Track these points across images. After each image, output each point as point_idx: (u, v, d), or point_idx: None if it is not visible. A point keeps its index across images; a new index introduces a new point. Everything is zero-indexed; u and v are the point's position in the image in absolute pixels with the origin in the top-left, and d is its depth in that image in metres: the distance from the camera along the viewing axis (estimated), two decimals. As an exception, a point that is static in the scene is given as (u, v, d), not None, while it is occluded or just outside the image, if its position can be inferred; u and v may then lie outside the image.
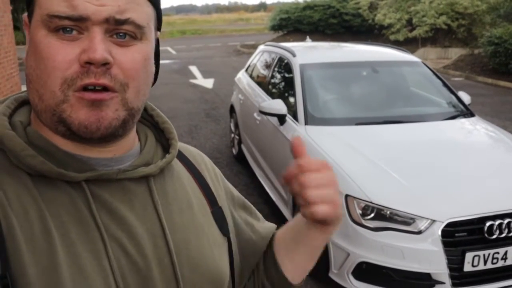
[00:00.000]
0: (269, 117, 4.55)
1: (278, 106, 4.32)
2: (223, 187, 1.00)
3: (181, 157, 0.94)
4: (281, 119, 4.33)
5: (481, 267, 2.92)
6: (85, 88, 0.70)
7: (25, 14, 0.78)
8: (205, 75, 14.50)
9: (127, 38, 0.72)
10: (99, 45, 0.68)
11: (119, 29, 0.71)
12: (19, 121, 0.77)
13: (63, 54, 0.69)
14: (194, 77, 14.09)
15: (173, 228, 0.81)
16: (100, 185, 0.76)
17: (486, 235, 2.94)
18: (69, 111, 0.71)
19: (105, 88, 0.70)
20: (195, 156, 0.98)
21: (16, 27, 19.53)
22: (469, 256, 2.90)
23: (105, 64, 0.69)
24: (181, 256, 0.81)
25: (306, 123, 4.09)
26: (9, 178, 0.72)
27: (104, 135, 0.73)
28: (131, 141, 0.83)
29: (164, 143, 0.91)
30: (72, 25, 0.69)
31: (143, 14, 0.74)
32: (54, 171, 0.72)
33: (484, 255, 2.92)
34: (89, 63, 0.69)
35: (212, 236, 0.88)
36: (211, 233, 0.88)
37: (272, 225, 1.09)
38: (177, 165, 0.92)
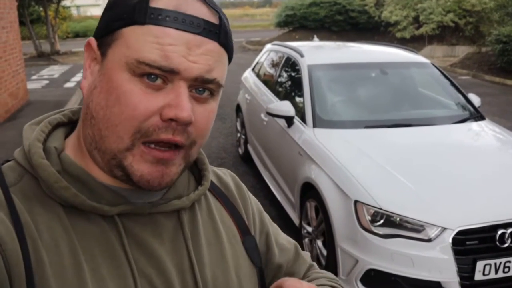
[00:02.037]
0: (277, 119, 4.51)
1: (286, 108, 4.28)
2: (261, 219, 0.97)
3: (211, 185, 0.92)
4: (289, 121, 4.29)
5: (492, 275, 2.88)
6: (155, 142, 0.69)
7: (92, 39, 0.74)
8: (211, 72, 14.42)
9: (205, 94, 0.72)
10: (187, 104, 0.67)
11: (203, 86, 0.71)
12: (53, 148, 0.75)
13: (145, 105, 0.67)
14: (200, 74, 14.03)
15: (201, 263, 0.80)
16: (132, 219, 0.75)
17: (497, 243, 2.89)
18: (130, 160, 0.69)
19: (175, 145, 0.70)
20: (224, 182, 0.95)
21: (22, 23, 19.55)
22: (480, 264, 2.85)
23: (187, 124, 0.69)
24: None
25: (315, 125, 4.04)
26: (42, 208, 0.70)
27: (163, 188, 0.73)
28: None
29: (196, 173, 0.89)
30: (160, 74, 0.67)
31: (224, 73, 0.74)
32: (87, 204, 0.71)
33: (495, 263, 2.87)
34: (172, 119, 0.68)
35: (241, 268, 0.86)
36: (240, 265, 0.86)
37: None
38: (207, 194, 0.90)
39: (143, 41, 0.67)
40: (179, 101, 0.67)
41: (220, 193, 0.92)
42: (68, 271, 0.67)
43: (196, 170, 0.89)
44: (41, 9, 22.44)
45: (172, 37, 0.67)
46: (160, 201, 0.78)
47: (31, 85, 12.15)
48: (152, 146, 0.69)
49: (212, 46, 0.70)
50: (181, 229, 0.80)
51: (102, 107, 0.70)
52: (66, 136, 0.80)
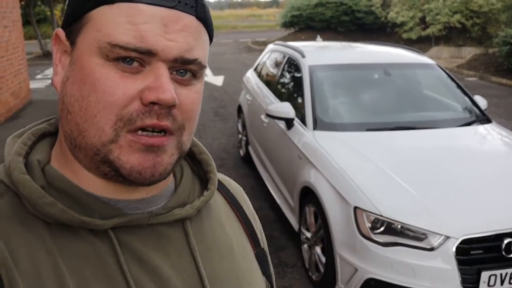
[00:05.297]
0: (277, 120, 4.39)
1: (286, 109, 4.17)
2: (261, 233, 0.89)
3: (221, 187, 0.85)
4: (289, 123, 4.18)
5: (498, 287, 2.75)
6: (142, 129, 0.62)
7: (60, 30, 0.68)
8: (215, 72, 14.36)
9: (187, 76, 0.66)
10: (169, 86, 0.62)
11: (184, 68, 0.65)
12: (36, 161, 0.68)
13: (123, 89, 0.61)
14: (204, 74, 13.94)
15: (212, 278, 0.72)
16: (129, 232, 0.67)
17: (503, 253, 2.77)
18: (117, 152, 0.63)
19: (162, 130, 0.63)
20: (237, 191, 0.88)
21: (27, 22, 19.50)
22: (485, 275, 2.73)
23: (171, 106, 0.62)
24: None
25: (315, 128, 3.93)
26: (22, 230, 0.63)
27: (157, 181, 0.66)
28: (167, 178, 0.73)
29: (202, 175, 0.81)
30: (136, 57, 0.61)
31: (205, 51, 0.68)
32: (76, 220, 0.63)
33: (501, 274, 2.75)
34: (154, 103, 0.61)
35: (254, 283, 0.79)
36: (253, 279, 0.79)
37: None
38: (217, 199, 0.82)
39: (114, 23, 0.61)
40: (160, 82, 0.61)
41: (231, 197, 0.85)
42: None
43: (201, 172, 0.81)
44: (47, 8, 22.42)
45: (146, 14, 0.61)
46: (161, 210, 0.70)
47: (35, 85, 12.11)
48: (139, 133, 0.62)
49: (189, 21, 0.64)
50: (187, 241, 0.71)
51: (77, 99, 0.63)
52: (53, 146, 0.73)
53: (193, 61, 0.64)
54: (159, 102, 0.61)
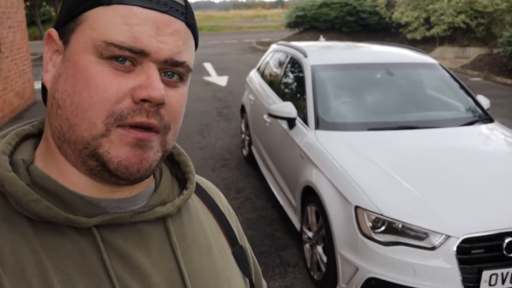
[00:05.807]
0: (279, 120, 4.40)
1: (288, 109, 4.17)
2: (239, 230, 0.92)
3: (198, 189, 0.88)
4: (291, 122, 4.18)
5: (499, 286, 2.74)
6: (131, 126, 0.65)
7: (52, 30, 0.71)
8: (220, 72, 14.37)
9: (174, 78, 0.69)
10: (160, 84, 0.65)
11: (172, 70, 0.68)
12: (21, 160, 0.69)
13: (116, 86, 0.64)
14: (208, 74, 13.96)
15: (192, 275, 0.74)
16: (112, 230, 0.69)
17: (504, 252, 2.76)
18: (107, 146, 0.64)
19: (149, 128, 0.66)
20: (211, 190, 0.92)
21: (32, 22, 19.55)
22: (486, 274, 2.72)
23: (159, 104, 0.65)
24: None
25: (316, 127, 3.93)
26: (6, 228, 0.63)
27: (142, 177, 0.68)
28: (148, 178, 0.76)
29: (180, 176, 0.84)
30: (129, 56, 0.64)
31: (192, 56, 0.71)
32: (61, 217, 0.65)
33: (502, 273, 2.74)
34: (145, 100, 0.64)
35: (233, 280, 0.81)
36: (231, 277, 0.81)
37: None
38: (193, 199, 0.85)
39: (110, 23, 0.64)
40: (151, 81, 0.64)
41: (208, 198, 0.88)
42: None
43: (179, 173, 0.84)
44: (52, 9, 22.49)
45: (140, 16, 0.64)
46: (143, 209, 0.72)
47: (40, 85, 12.09)
48: (130, 128, 0.65)
49: (179, 26, 0.68)
50: (168, 238, 0.73)
51: (69, 94, 0.65)
52: (37, 147, 0.74)
53: (182, 64, 0.68)
54: (150, 100, 0.64)
